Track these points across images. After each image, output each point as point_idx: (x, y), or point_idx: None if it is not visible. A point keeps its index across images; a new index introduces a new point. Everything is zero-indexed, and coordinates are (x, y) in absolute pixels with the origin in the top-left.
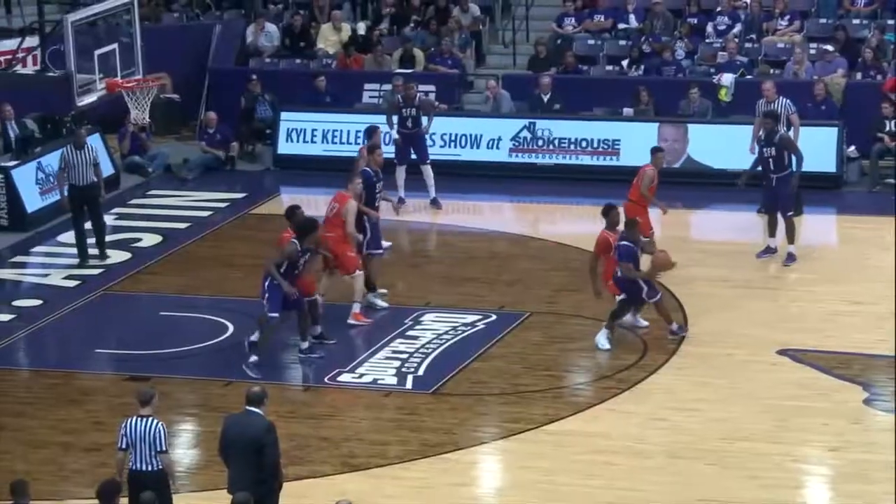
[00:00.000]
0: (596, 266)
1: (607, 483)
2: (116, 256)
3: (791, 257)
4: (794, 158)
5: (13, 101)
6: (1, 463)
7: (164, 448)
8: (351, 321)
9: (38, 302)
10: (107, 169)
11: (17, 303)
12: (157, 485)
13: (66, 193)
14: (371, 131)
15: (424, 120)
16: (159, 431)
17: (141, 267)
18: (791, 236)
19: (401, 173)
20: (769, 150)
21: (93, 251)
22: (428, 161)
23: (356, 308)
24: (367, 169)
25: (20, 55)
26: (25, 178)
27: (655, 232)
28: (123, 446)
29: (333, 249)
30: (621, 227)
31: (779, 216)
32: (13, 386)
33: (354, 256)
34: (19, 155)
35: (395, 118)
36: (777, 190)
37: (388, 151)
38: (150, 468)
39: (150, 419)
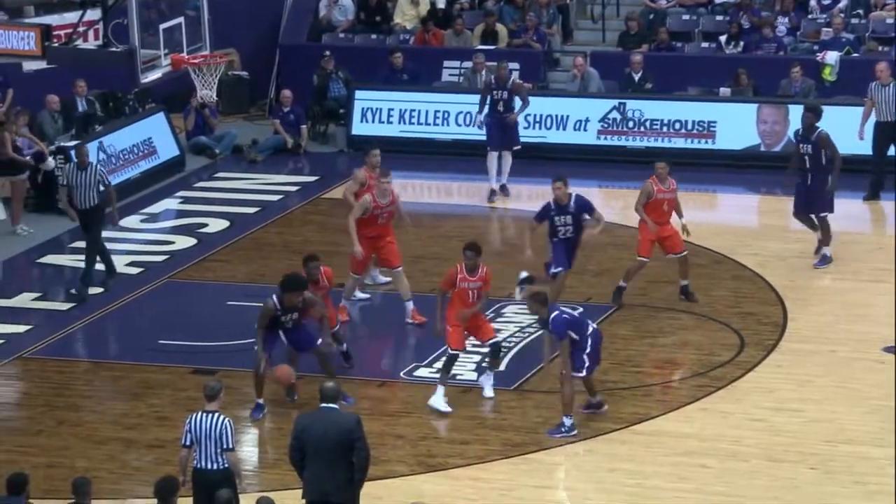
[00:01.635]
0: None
1: (700, 487)
2: (182, 242)
3: (825, 259)
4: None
5: (73, 77)
6: (61, 459)
7: (230, 445)
8: (409, 320)
9: (98, 290)
10: (171, 150)
11: (76, 290)
12: (223, 484)
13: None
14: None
15: (518, 103)
16: (226, 428)
17: (207, 254)
18: (827, 238)
19: (492, 159)
20: (805, 147)
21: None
22: (515, 148)
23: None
24: (550, 202)
25: (81, 29)
26: None
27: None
28: (188, 443)
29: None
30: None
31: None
32: (73, 378)
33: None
34: (80, 134)
35: (487, 100)
36: (811, 189)
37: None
38: (215, 466)
39: (217, 415)
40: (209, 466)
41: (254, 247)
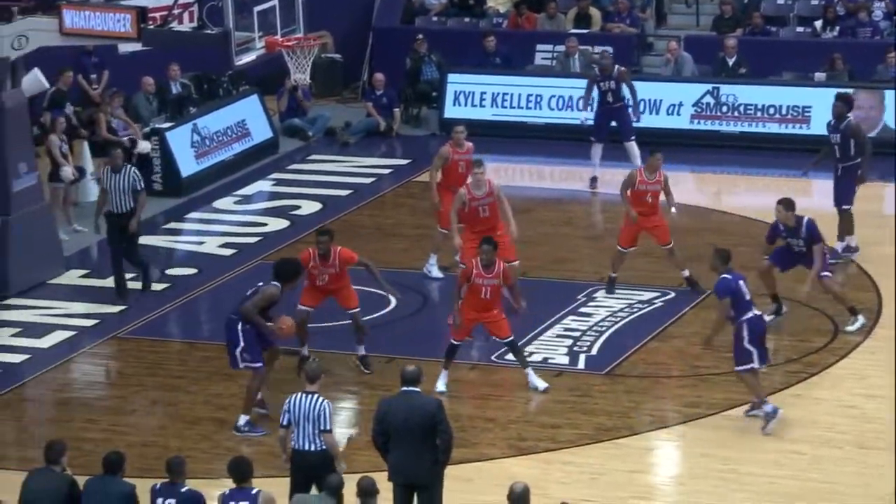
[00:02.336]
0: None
1: (793, 473)
2: (274, 224)
3: (849, 249)
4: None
5: (168, 59)
6: (155, 439)
7: (328, 427)
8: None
9: (192, 271)
10: (265, 132)
11: (170, 271)
12: (321, 465)
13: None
14: None
15: (626, 91)
16: (324, 409)
17: (299, 236)
18: (850, 228)
19: (597, 150)
20: (835, 137)
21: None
22: (632, 138)
23: None
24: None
25: (176, 11)
26: (180, 140)
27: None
28: (285, 423)
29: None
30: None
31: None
32: (166, 358)
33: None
34: (175, 116)
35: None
36: (839, 179)
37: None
38: (313, 448)
39: (316, 396)
40: (307, 447)
41: (346, 229)
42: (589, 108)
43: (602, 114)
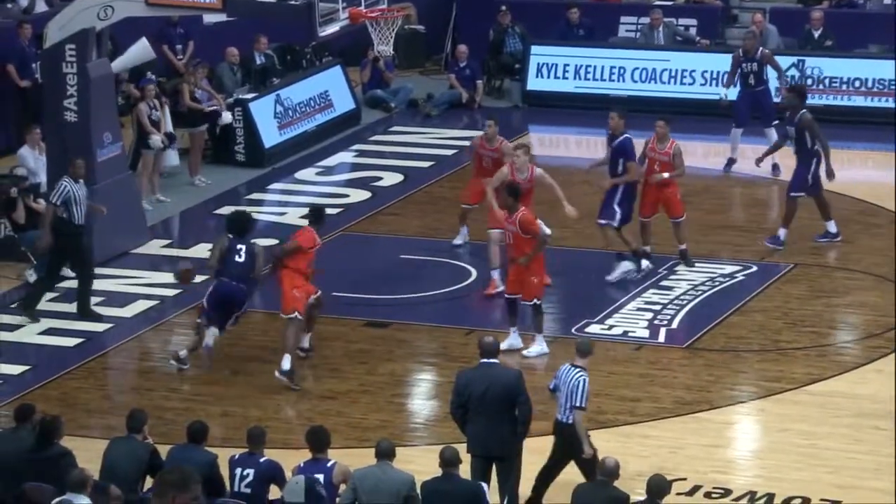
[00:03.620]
0: None
1: (874, 449)
2: (356, 196)
3: (775, 240)
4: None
5: (252, 30)
6: (235, 408)
7: (580, 403)
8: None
9: (273, 241)
10: (347, 104)
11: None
12: (571, 440)
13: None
14: None
15: (772, 75)
16: (580, 384)
17: (381, 207)
18: (826, 213)
19: (736, 135)
20: (790, 130)
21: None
22: (774, 124)
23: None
24: None
25: None
26: (263, 111)
27: None
28: (551, 387)
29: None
30: None
31: None
32: (248, 329)
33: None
34: (258, 87)
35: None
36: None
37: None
38: (565, 420)
39: (579, 371)
40: (560, 419)
41: (427, 201)
42: (727, 89)
43: (744, 97)
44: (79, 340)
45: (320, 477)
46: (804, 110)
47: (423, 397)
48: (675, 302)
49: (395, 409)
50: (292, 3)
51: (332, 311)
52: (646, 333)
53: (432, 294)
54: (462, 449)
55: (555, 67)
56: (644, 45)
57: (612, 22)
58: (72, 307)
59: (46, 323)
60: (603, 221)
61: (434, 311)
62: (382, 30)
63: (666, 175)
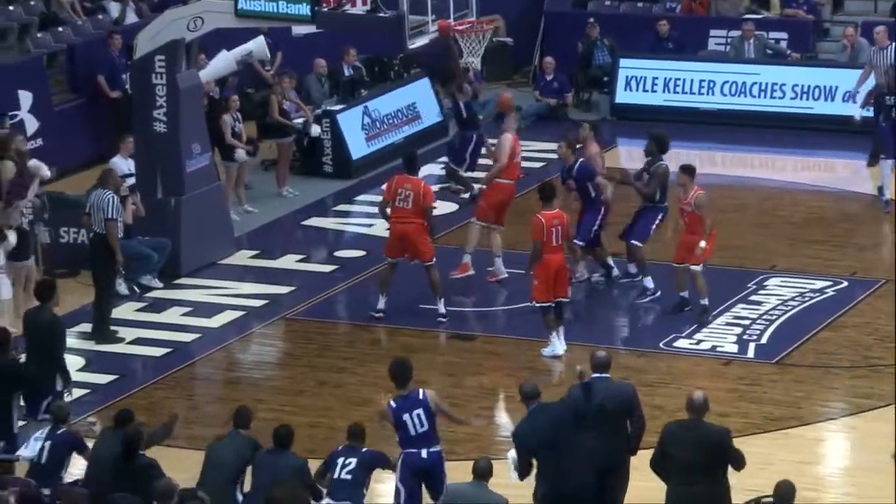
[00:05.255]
0: None
1: None
2: (443, 207)
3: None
4: None
5: (341, 41)
6: (322, 420)
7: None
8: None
9: (360, 253)
10: (435, 116)
11: (339, 253)
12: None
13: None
14: None
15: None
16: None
17: (465, 221)
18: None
19: (886, 165)
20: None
21: None
22: None
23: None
24: None
25: None
26: (351, 123)
27: None
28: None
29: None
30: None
31: None
32: (335, 340)
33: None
34: (346, 99)
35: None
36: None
37: None
38: None
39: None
40: None
41: (514, 213)
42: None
43: (891, 128)
44: (166, 350)
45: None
46: (663, 159)
47: (511, 410)
48: (765, 317)
49: (484, 422)
50: (382, 15)
51: (417, 324)
52: (735, 348)
53: (518, 307)
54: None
55: (643, 80)
56: (734, 59)
57: (701, 35)
58: (160, 317)
59: (134, 333)
60: (635, 242)
61: (519, 323)
62: (471, 42)
63: (703, 245)
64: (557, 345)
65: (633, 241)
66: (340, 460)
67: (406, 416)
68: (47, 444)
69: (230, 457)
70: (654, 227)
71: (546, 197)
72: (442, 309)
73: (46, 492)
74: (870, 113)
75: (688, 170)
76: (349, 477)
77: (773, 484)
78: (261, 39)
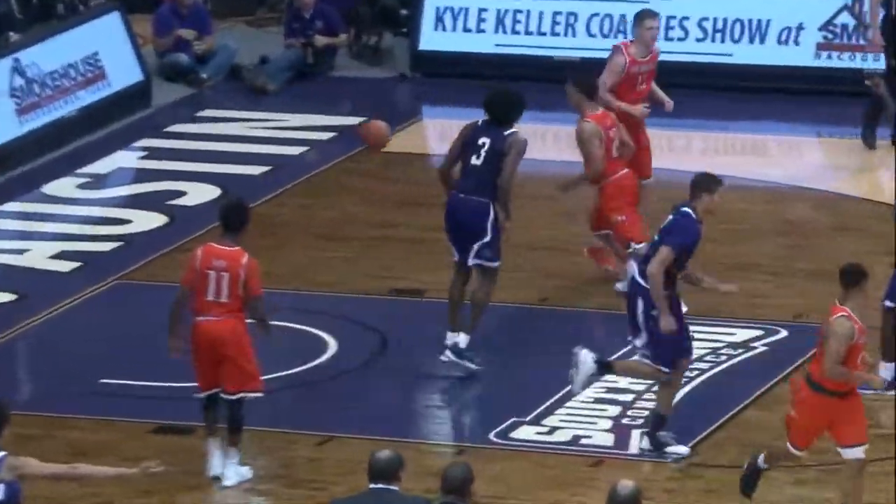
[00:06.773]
0: None
1: None
2: (142, 222)
3: None
4: None
5: None
6: None
7: None
8: None
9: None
10: (131, 74)
11: None
12: None
13: None
14: None
15: None
16: None
17: (183, 240)
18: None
19: None
20: None
21: None
22: None
23: None
24: None
25: None
26: None
27: None
28: None
29: None
30: None
31: None
32: None
33: None
34: None
35: None
36: None
37: None
38: None
39: None
40: None
41: (264, 228)
42: None
43: None
44: None
45: None
46: None
47: None
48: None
49: None
50: None
51: None
52: (608, 439)
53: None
54: None
55: (462, 13)
56: None
57: None
58: None
59: None
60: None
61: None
62: None
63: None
64: None
65: None
66: None
67: None
68: None
69: None
70: None
71: None
72: None
73: None
74: None
75: None
76: None
77: None
78: None
